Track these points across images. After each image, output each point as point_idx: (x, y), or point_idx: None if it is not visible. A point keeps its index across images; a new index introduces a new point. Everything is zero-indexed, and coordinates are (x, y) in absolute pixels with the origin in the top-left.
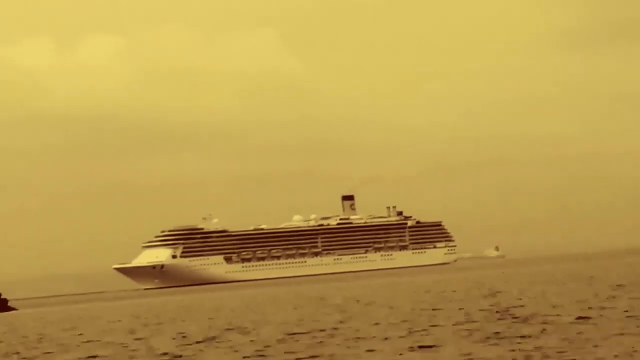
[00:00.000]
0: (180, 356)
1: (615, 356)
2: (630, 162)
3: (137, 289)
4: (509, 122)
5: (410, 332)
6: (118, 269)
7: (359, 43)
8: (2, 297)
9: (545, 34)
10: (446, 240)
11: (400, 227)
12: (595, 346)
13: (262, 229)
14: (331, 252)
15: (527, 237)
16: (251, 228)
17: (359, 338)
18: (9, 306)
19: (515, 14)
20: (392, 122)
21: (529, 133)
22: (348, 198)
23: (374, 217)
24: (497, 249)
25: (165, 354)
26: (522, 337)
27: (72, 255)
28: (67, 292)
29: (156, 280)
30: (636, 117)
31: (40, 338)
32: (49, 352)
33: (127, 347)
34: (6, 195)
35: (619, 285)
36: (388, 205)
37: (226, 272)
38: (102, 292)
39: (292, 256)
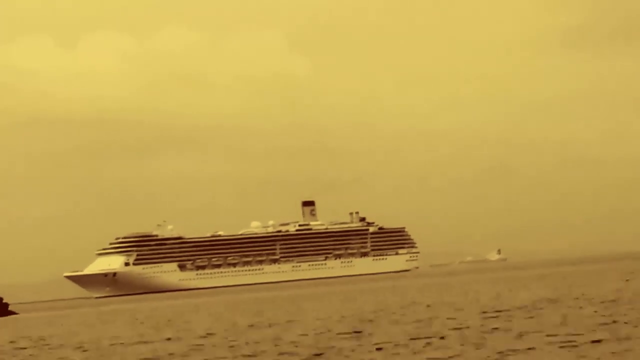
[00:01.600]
0: None
1: None
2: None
3: (89, 297)
4: (515, 128)
5: None
6: (69, 277)
7: (364, 46)
8: (3, 301)
9: (554, 33)
10: (409, 247)
11: (361, 233)
12: None
13: (218, 236)
14: (289, 259)
15: (531, 241)
16: (208, 235)
17: None
18: (10, 310)
19: (522, 13)
20: (395, 127)
21: (534, 138)
22: (308, 204)
23: (336, 224)
24: (499, 252)
25: None
26: None
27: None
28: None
29: (108, 289)
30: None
31: None
32: None
33: None
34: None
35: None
36: (351, 211)
37: (180, 279)
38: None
39: (249, 263)
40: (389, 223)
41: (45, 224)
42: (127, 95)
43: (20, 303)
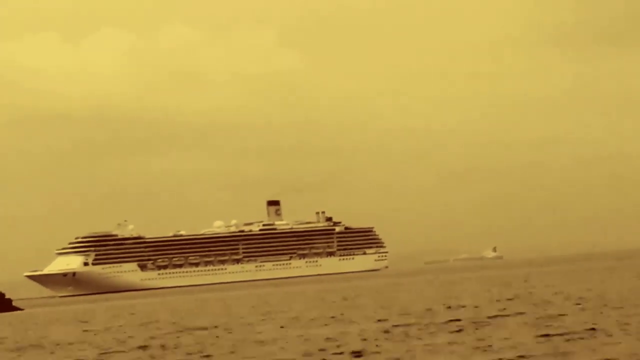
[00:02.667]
0: None
1: None
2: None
3: (53, 297)
4: (508, 126)
5: None
6: (29, 277)
7: (359, 43)
8: (6, 297)
9: (543, 31)
10: (377, 246)
11: (327, 233)
12: None
13: (180, 235)
14: (253, 259)
15: (527, 238)
16: (169, 234)
17: None
18: (14, 306)
19: (511, 11)
20: (386, 125)
21: (527, 136)
22: (273, 203)
23: (301, 223)
24: (494, 250)
25: None
26: None
27: None
28: None
29: (69, 288)
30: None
31: None
32: None
33: None
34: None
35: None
36: (317, 211)
37: (142, 279)
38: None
39: (211, 263)
40: (369, 222)
41: (35, 220)
42: (125, 93)
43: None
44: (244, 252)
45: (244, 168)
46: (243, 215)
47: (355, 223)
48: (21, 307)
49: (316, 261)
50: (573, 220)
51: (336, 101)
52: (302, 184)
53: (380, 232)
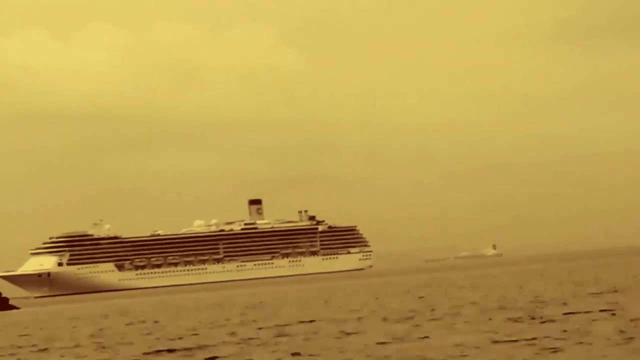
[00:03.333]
0: None
1: None
2: (632, 162)
3: (27, 297)
4: (510, 122)
5: None
6: (3, 277)
7: (360, 41)
8: (3, 295)
9: (544, 26)
10: (361, 246)
11: (310, 232)
12: None
13: (158, 235)
14: (234, 258)
15: (527, 235)
16: (147, 234)
17: None
18: (10, 305)
19: (514, 5)
20: (388, 122)
21: (528, 132)
22: (255, 202)
23: (283, 222)
24: (494, 247)
25: None
26: None
27: None
28: None
29: (44, 289)
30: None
31: None
32: None
33: None
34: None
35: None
36: (300, 210)
37: (120, 279)
38: None
39: (191, 263)
40: (369, 221)
41: (20, 218)
42: (118, 90)
43: None
44: (224, 252)
45: (241, 166)
46: (240, 214)
47: (349, 222)
48: (18, 306)
49: (299, 261)
50: (573, 217)
51: (336, 99)
52: (301, 181)
53: (381, 230)
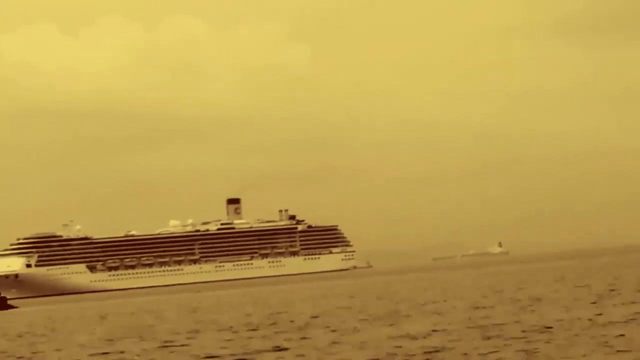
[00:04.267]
0: None
1: None
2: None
3: None
4: (516, 120)
5: None
6: None
7: (366, 37)
8: (1, 295)
9: (545, 22)
10: (343, 246)
11: (289, 231)
12: None
13: (131, 236)
14: (211, 259)
15: (533, 233)
16: (121, 235)
17: None
18: (8, 304)
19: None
20: (393, 119)
21: (534, 130)
22: (233, 202)
23: (262, 222)
24: (500, 245)
25: None
26: None
27: None
28: None
29: (13, 290)
30: None
31: None
32: None
33: None
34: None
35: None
36: (280, 209)
37: (91, 281)
38: None
39: (166, 264)
40: (366, 219)
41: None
42: (126, 87)
43: None
44: (200, 252)
45: (248, 164)
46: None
47: (352, 220)
48: (16, 306)
49: (279, 261)
50: (578, 215)
51: (344, 95)
52: (301, 178)
53: (387, 228)
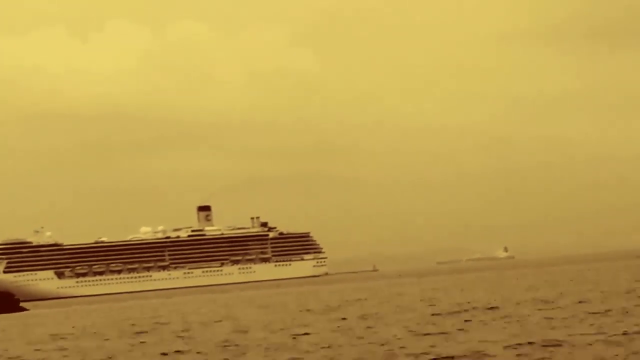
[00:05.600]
0: None
1: None
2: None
3: None
4: (520, 125)
5: None
6: None
7: (369, 42)
8: (15, 297)
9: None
10: (315, 252)
11: (261, 238)
12: None
13: (101, 242)
14: (180, 265)
15: (538, 238)
16: (91, 241)
17: None
18: (21, 306)
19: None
20: (399, 124)
21: (538, 135)
22: (204, 209)
23: (233, 229)
24: (505, 249)
25: None
26: None
27: None
28: None
29: None
30: None
31: None
32: None
33: None
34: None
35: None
36: (252, 216)
37: (58, 287)
38: None
39: (135, 270)
40: (369, 221)
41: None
42: (133, 91)
43: None
44: (170, 259)
45: (255, 167)
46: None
47: (356, 222)
48: (27, 308)
49: (250, 267)
50: (583, 219)
51: (348, 100)
52: (308, 183)
53: (394, 231)
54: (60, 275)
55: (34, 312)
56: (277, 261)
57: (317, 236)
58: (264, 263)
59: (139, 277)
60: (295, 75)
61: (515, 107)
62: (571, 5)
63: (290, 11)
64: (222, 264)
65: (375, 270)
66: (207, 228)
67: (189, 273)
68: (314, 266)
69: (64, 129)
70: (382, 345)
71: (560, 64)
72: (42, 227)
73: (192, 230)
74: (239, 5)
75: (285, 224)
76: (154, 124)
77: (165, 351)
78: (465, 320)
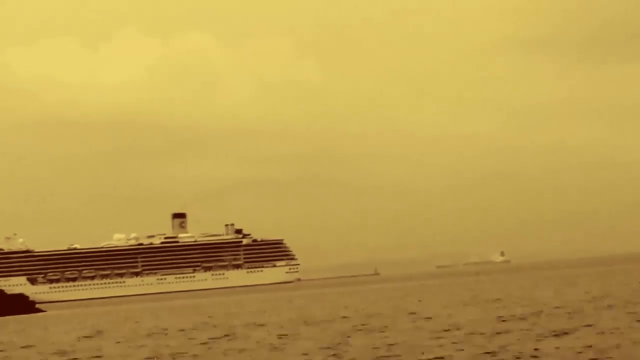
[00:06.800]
0: None
1: None
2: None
3: None
4: (518, 132)
5: None
6: None
7: (375, 52)
8: (30, 299)
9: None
10: (287, 259)
11: (234, 245)
12: None
13: (74, 249)
14: (153, 272)
15: (534, 243)
16: (64, 248)
17: None
18: (37, 308)
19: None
20: (404, 132)
21: (534, 142)
22: (179, 216)
23: (207, 236)
24: (502, 254)
25: None
26: None
27: None
28: None
29: None
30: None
31: None
32: None
33: None
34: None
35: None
36: (226, 223)
37: (32, 293)
38: None
39: (108, 276)
40: (371, 225)
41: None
42: (143, 100)
43: None
44: (143, 265)
45: (264, 174)
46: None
47: (360, 226)
48: (43, 309)
49: (222, 274)
50: (578, 225)
51: (352, 110)
52: (302, 187)
53: (393, 237)
54: (33, 281)
55: (50, 313)
56: (249, 267)
57: (318, 241)
58: (236, 269)
59: (112, 283)
60: (299, 85)
61: (515, 115)
62: (566, 12)
63: (295, 23)
64: (195, 270)
65: (376, 274)
66: (180, 235)
67: (162, 279)
68: (287, 272)
69: (77, 137)
70: None
71: (557, 71)
72: (15, 234)
73: (166, 237)
74: (245, 17)
75: (281, 231)
76: (164, 132)
77: None
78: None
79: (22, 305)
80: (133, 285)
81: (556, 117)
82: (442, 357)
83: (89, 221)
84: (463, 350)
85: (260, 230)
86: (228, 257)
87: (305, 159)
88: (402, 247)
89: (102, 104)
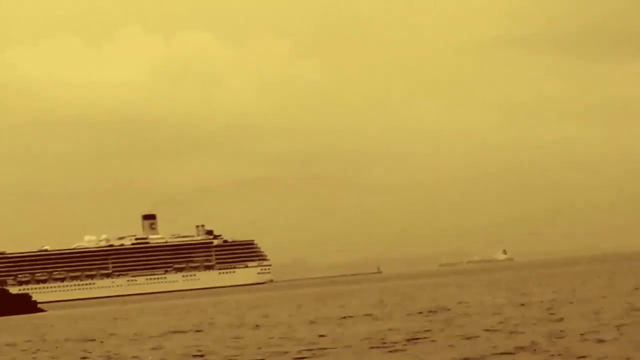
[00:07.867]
0: None
1: None
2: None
3: None
4: (518, 129)
5: None
6: None
7: (375, 50)
8: (32, 299)
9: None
10: (259, 260)
11: (205, 246)
12: None
13: (45, 250)
14: (124, 273)
15: (537, 240)
16: (35, 249)
17: None
18: (39, 307)
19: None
20: (405, 129)
21: (536, 139)
22: (149, 217)
23: (177, 237)
24: (504, 252)
25: None
26: None
27: None
28: None
29: None
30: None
31: None
32: None
33: None
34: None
35: None
36: (197, 224)
37: None
38: None
39: (78, 278)
40: (373, 225)
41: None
42: (146, 99)
43: None
44: (113, 267)
45: (264, 173)
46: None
47: (363, 224)
48: (45, 309)
49: (194, 275)
50: (581, 222)
51: (353, 108)
52: (301, 187)
53: (396, 235)
54: (2, 283)
55: (51, 313)
56: (221, 269)
57: (319, 238)
58: (208, 270)
59: (82, 284)
60: (300, 83)
61: (516, 112)
62: (560, 10)
63: (295, 22)
64: (166, 272)
65: (379, 272)
66: (151, 236)
67: (132, 280)
68: (258, 273)
69: (79, 135)
70: None
71: (553, 69)
72: None
73: (136, 239)
74: (246, 16)
75: (282, 231)
76: (169, 130)
77: None
78: None
79: (24, 305)
80: (103, 286)
81: (558, 114)
82: None
83: (61, 222)
84: None
85: (259, 230)
86: (199, 258)
87: (308, 157)
88: (405, 245)
89: (104, 103)
